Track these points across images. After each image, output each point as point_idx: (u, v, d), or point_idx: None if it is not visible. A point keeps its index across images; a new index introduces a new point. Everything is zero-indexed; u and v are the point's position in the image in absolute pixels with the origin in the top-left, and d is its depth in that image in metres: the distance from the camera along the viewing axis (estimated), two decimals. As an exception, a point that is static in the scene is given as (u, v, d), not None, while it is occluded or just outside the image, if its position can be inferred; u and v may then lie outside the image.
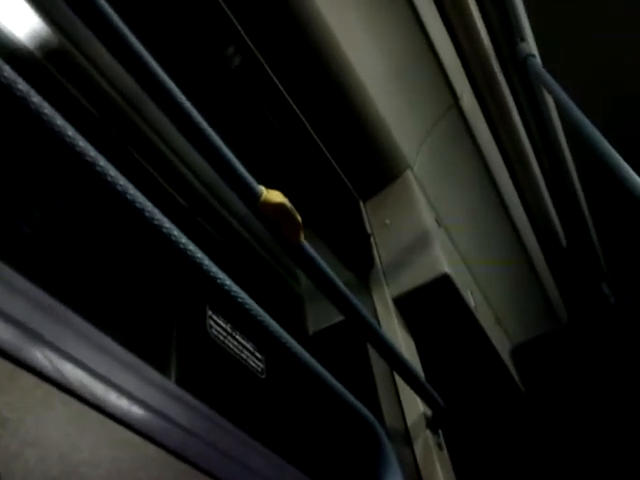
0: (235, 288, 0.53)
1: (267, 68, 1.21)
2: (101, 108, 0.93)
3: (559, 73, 1.71)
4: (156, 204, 0.49)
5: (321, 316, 1.24)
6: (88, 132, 0.47)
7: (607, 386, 1.51)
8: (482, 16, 1.67)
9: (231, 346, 0.74)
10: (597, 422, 1.48)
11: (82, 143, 0.43)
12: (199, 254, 0.50)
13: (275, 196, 0.67)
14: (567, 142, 2.00)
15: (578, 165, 2.08)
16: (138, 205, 0.46)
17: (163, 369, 0.59)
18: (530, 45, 1.79)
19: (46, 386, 0.38)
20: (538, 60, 1.77)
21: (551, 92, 1.69)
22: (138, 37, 0.56)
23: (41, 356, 0.38)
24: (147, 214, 0.46)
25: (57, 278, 0.57)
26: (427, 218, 1.35)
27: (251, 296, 0.57)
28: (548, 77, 1.66)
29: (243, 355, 0.75)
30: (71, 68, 0.90)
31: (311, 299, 1.29)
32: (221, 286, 0.52)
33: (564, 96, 1.61)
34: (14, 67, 0.41)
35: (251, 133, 1.19)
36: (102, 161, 0.43)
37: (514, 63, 1.75)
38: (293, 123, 1.29)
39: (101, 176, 0.43)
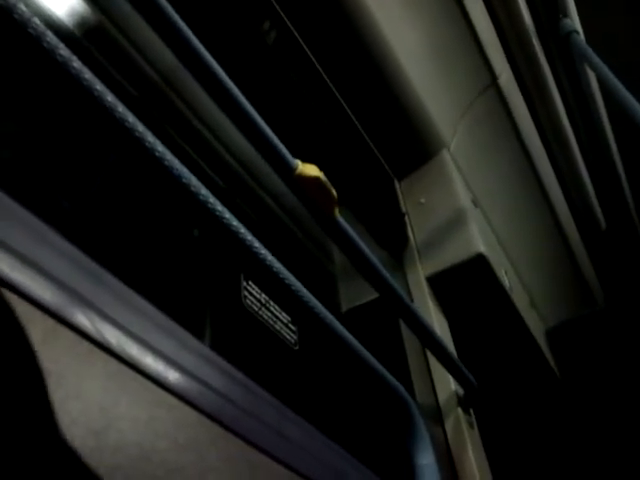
0: (270, 257, 0.54)
1: (302, 43, 1.20)
2: (139, 87, 0.94)
3: (603, 51, 1.66)
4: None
5: (354, 295, 1.24)
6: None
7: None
8: (523, -9, 1.62)
9: (265, 317, 0.75)
10: (632, 406, 1.46)
11: (121, 109, 0.43)
12: (235, 222, 0.51)
13: (311, 169, 0.68)
14: (610, 123, 1.94)
15: (621, 147, 2.02)
16: (175, 172, 0.47)
17: (197, 337, 0.60)
18: (574, 21, 1.74)
19: (86, 344, 0.39)
20: (582, 37, 1.71)
21: (596, 70, 1.63)
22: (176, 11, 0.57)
23: (82, 315, 0.39)
24: (184, 181, 0.47)
25: (97, 245, 0.59)
26: (463, 198, 1.33)
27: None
28: (593, 54, 1.60)
29: (277, 326, 0.76)
30: (109, 46, 0.91)
31: (344, 278, 1.29)
32: (256, 255, 0.52)
33: (610, 74, 1.56)
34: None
35: (286, 110, 1.19)
36: (141, 127, 0.44)
37: (556, 40, 1.70)
38: (328, 100, 1.28)
39: (140, 142, 0.44)
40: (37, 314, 0.36)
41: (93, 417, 0.36)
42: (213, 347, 0.63)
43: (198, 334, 0.65)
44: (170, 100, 1.02)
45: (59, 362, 0.35)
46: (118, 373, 0.40)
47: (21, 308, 0.34)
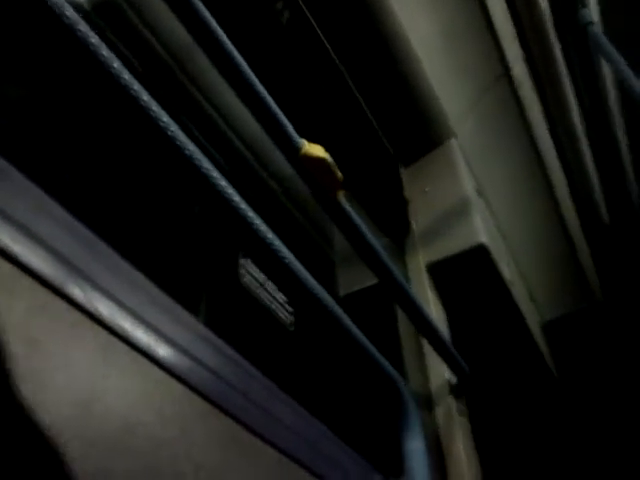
0: (270, 235, 0.53)
1: (314, 24, 1.18)
2: (145, 63, 0.93)
3: (622, 43, 1.62)
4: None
5: (352, 281, 1.24)
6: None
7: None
8: (541, -20, 1.59)
9: (262, 296, 0.74)
10: (627, 399, 1.46)
11: (127, 76, 0.42)
12: (236, 197, 0.50)
13: (317, 150, 0.66)
14: (624, 117, 1.91)
15: (633, 141, 1.99)
16: (178, 143, 0.46)
17: (193, 314, 0.60)
18: (592, 12, 1.70)
19: (77, 314, 0.38)
20: (600, 28, 1.68)
21: (612, 62, 1.60)
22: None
23: (74, 285, 0.39)
24: (187, 152, 0.46)
25: (96, 217, 0.58)
26: (467, 188, 1.32)
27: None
28: (610, 47, 1.57)
29: (273, 306, 0.75)
30: (120, 23, 0.90)
31: (343, 265, 1.29)
32: (256, 232, 0.52)
33: (626, 68, 1.53)
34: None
35: (295, 91, 1.18)
36: (146, 96, 0.43)
37: (573, 31, 1.67)
38: (338, 83, 1.26)
39: (144, 110, 0.43)
40: (27, 281, 0.35)
41: (80, 388, 0.35)
42: (208, 324, 0.63)
43: (194, 310, 0.65)
44: (176, 78, 1.00)
45: (48, 332, 0.35)
46: (107, 345, 0.40)
47: (8, 273, 0.33)
